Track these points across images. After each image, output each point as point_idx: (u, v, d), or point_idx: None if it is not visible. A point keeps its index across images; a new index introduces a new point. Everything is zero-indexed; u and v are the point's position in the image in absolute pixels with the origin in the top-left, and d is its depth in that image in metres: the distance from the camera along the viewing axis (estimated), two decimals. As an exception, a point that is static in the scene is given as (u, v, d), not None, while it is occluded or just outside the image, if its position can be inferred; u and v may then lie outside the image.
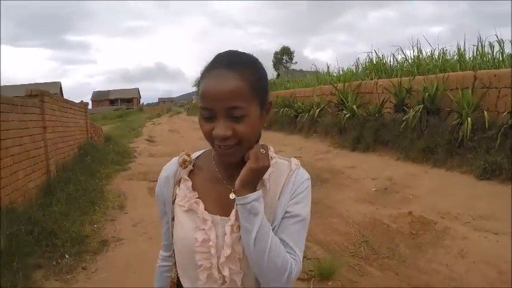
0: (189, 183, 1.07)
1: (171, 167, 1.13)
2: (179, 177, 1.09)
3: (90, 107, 63.26)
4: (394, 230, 4.66)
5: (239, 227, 0.97)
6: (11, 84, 50.66)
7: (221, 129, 0.93)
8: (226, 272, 0.98)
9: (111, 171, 8.89)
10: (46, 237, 4.30)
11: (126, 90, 72.47)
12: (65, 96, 46.50)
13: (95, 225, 5.15)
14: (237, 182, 0.96)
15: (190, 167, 1.09)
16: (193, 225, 1.02)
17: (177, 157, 1.11)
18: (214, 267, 0.99)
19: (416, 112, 7.93)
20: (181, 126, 26.19)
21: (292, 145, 11.56)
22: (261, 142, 1.04)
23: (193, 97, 60.34)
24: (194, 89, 57.71)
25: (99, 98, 70.81)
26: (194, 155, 1.13)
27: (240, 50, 1.01)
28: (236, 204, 0.97)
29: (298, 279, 3.37)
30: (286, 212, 1.00)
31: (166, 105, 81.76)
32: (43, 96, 6.69)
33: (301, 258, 0.99)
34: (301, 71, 32.72)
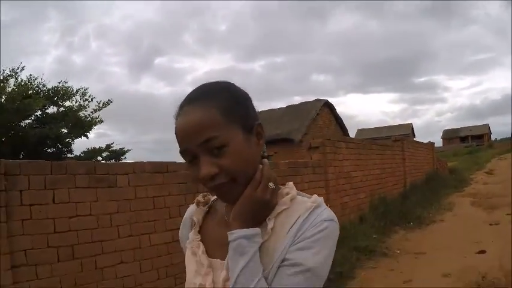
0: (198, 225, 0.96)
1: (191, 208, 1.03)
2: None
3: (440, 144, 68.07)
4: None
5: None
6: (363, 127, 61.61)
7: (204, 168, 0.79)
8: None
9: (449, 191, 12.40)
10: (402, 215, 8.21)
11: (476, 127, 72.03)
12: (416, 135, 54.08)
13: (430, 214, 8.79)
14: (231, 214, 0.83)
15: (204, 208, 0.98)
16: (194, 269, 0.90)
17: None
18: None
19: None
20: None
21: None
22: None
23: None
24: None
25: (450, 136, 73.33)
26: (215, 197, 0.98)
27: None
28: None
29: None
30: (284, 260, 0.78)
31: (519, 140, 75.48)
32: (403, 141, 11.43)
33: None
34: None
